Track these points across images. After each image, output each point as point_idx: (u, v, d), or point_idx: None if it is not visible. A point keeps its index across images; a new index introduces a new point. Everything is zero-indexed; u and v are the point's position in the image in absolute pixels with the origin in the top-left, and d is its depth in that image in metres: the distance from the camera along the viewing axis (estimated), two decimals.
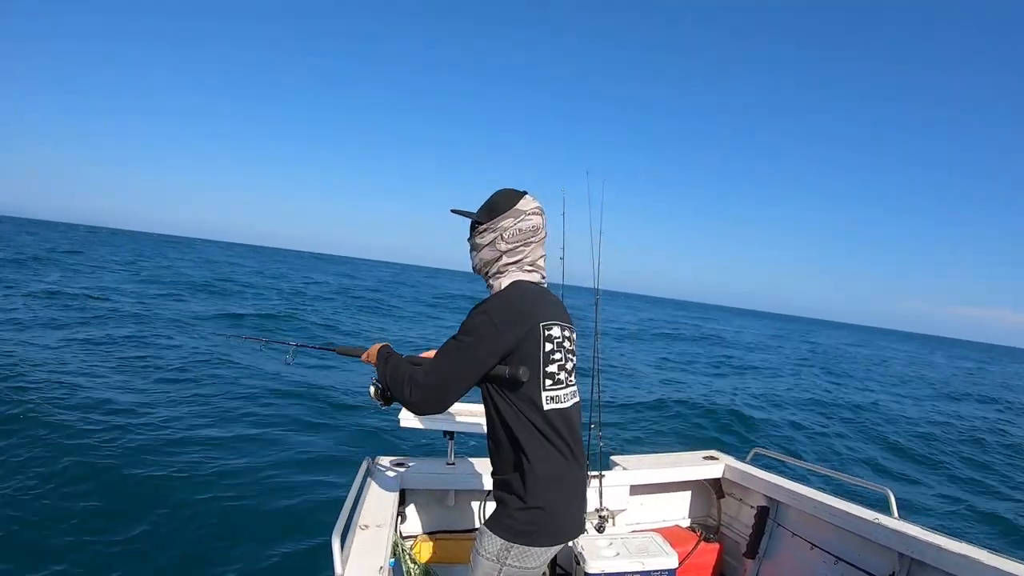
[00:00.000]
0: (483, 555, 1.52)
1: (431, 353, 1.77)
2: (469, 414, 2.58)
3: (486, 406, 1.58)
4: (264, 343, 3.02)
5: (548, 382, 1.53)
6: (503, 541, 1.50)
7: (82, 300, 14.72)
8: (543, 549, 1.53)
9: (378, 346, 1.79)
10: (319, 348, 2.54)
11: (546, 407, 1.52)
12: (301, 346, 2.56)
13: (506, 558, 1.49)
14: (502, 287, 1.59)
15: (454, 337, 1.52)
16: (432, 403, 1.52)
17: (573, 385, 1.63)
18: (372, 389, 1.82)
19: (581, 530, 1.66)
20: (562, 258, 2.64)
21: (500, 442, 1.56)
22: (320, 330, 16.15)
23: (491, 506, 1.59)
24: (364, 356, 1.83)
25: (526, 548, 1.50)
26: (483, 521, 1.62)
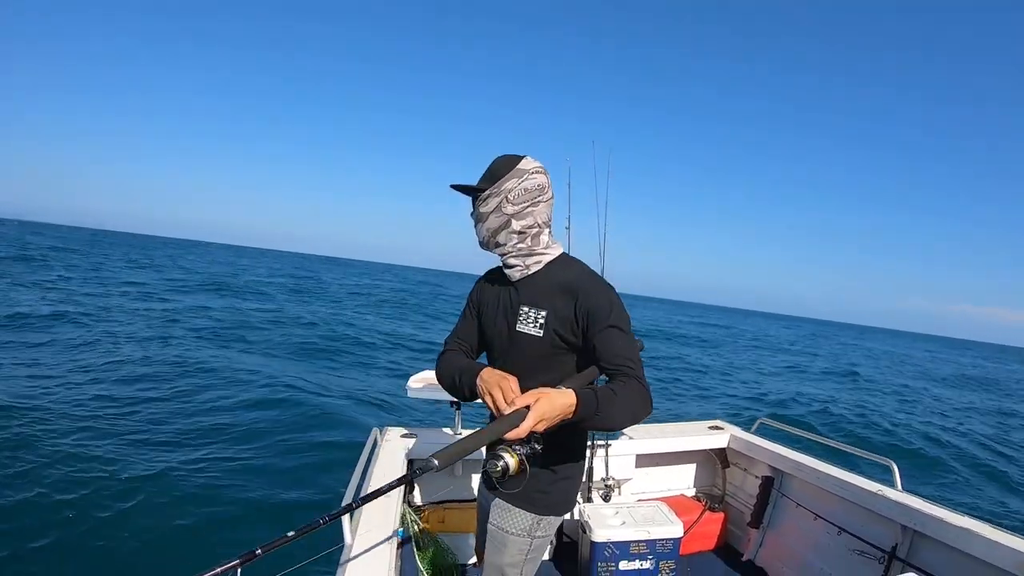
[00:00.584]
0: (512, 532, 1.51)
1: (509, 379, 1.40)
2: None
3: (561, 367, 1.45)
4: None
5: None
6: (533, 516, 1.50)
7: (89, 298, 14.88)
8: (565, 515, 1.58)
9: (565, 396, 1.26)
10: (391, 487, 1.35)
11: None
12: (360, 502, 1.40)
13: (536, 531, 1.50)
14: (557, 255, 1.52)
15: (617, 327, 1.38)
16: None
17: None
18: (512, 461, 1.30)
19: None
20: (568, 228, 2.61)
21: None
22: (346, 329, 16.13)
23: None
24: (526, 427, 1.22)
25: (551, 519, 1.53)
26: (502, 497, 1.54)
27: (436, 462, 1.22)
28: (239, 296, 20.94)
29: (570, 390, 1.28)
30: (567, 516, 1.63)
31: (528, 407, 1.22)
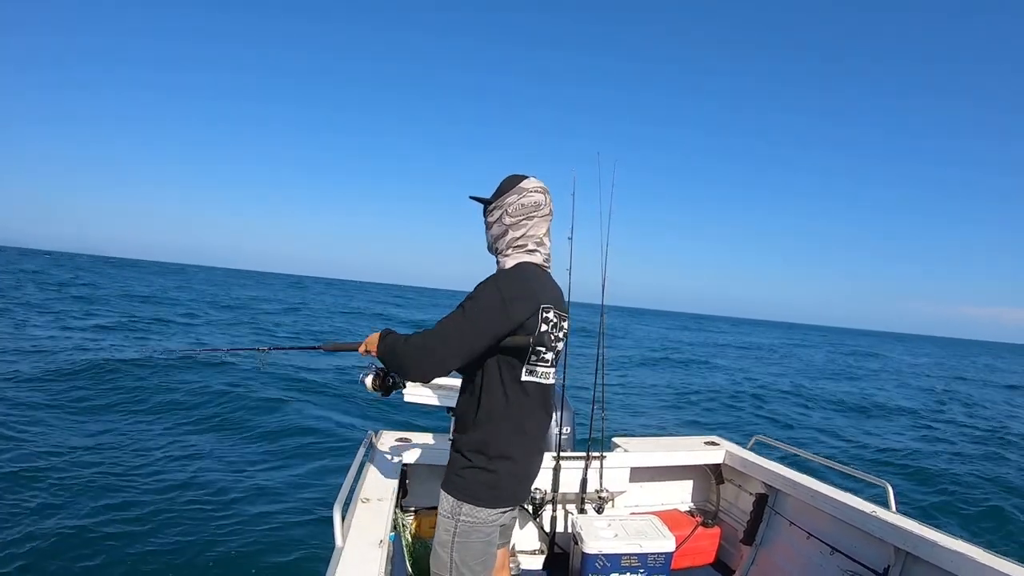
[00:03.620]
0: (441, 513, 1.65)
1: None
2: None
3: (469, 365, 1.62)
4: (227, 352, 2.82)
5: (533, 358, 1.62)
6: (453, 499, 1.62)
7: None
8: (494, 511, 1.62)
9: (378, 333, 1.75)
10: (301, 348, 2.42)
11: (523, 378, 1.62)
12: (275, 348, 2.46)
13: (458, 514, 1.61)
14: (507, 267, 1.69)
15: (461, 305, 1.57)
16: (430, 360, 1.54)
17: (553, 368, 1.72)
18: (369, 379, 1.80)
19: (526, 498, 1.80)
20: (570, 238, 2.63)
21: (469, 402, 1.65)
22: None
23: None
24: (362, 348, 1.77)
25: (474, 507, 1.60)
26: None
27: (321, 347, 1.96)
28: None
29: (387, 330, 1.71)
30: (503, 512, 1.65)
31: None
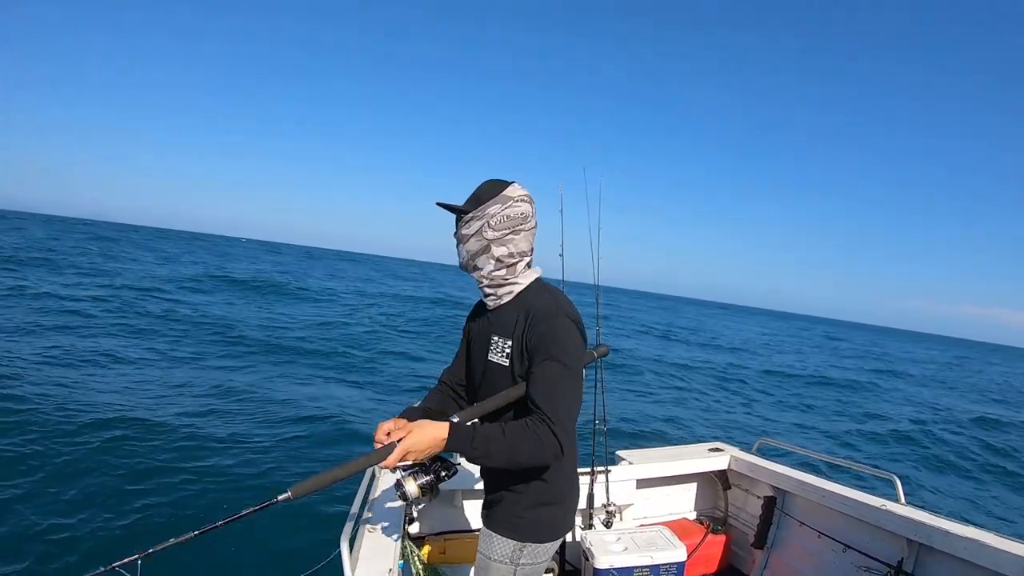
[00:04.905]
0: (495, 559, 1.50)
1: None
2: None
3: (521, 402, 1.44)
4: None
5: None
6: (515, 542, 1.48)
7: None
8: (553, 544, 1.53)
9: (438, 429, 1.30)
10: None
11: None
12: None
13: (519, 558, 1.47)
14: (529, 283, 1.52)
15: (554, 359, 1.36)
16: (563, 441, 1.33)
17: None
18: (412, 488, 1.37)
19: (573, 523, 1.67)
20: (561, 255, 2.65)
21: None
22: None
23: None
24: (398, 455, 1.30)
25: (537, 546, 1.49)
26: (485, 524, 1.56)
27: (290, 494, 1.27)
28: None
29: (446, 423, 1.33)
30: (558, 543, 1.57)
31: (400, 440, 1.30)
